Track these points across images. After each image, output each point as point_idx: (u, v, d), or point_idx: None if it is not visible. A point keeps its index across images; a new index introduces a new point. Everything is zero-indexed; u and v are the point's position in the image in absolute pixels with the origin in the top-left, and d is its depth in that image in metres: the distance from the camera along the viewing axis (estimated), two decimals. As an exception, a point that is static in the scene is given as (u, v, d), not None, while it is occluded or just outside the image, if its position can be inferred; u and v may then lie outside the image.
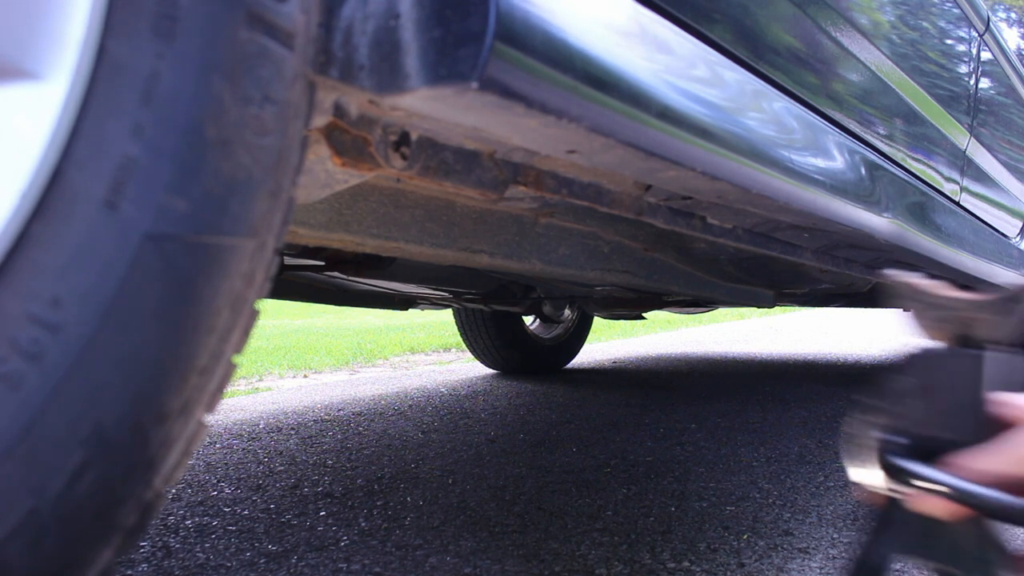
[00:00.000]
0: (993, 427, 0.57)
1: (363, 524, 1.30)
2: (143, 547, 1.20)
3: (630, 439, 2.01)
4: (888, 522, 0.58)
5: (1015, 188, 2.44)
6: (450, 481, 1.56)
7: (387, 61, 0.47)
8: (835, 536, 1.25)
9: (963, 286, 0.64)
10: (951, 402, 0.59)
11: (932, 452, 0.57)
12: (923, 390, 0.60)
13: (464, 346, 3.46)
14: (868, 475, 0.58)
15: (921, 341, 0.63)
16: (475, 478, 1.57)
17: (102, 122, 0.36)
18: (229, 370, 0.44)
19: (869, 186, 1.13)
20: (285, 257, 1.33)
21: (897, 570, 1.00)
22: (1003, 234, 2.30)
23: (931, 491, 0.55)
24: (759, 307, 2.50)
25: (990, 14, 1.91)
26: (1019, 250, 2.47)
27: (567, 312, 3.36)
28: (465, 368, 3.70)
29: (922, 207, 1.43)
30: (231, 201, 0.41)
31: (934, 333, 0.64)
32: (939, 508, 0.55)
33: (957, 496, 0.53)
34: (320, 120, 0.53)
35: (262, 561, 1.13)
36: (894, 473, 0.57)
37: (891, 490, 0.58)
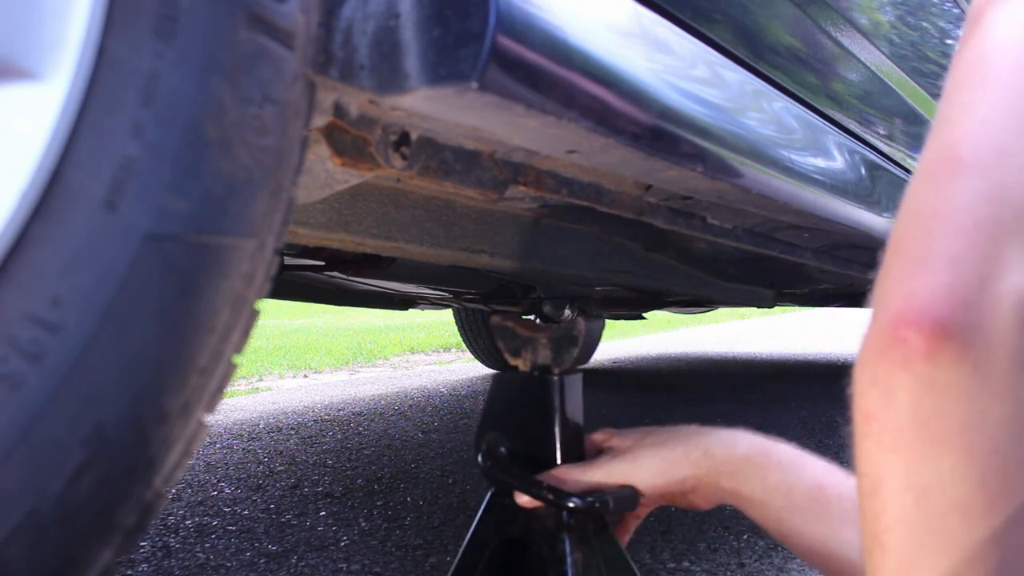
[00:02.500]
0: (589, 447, 0.79)
1: (363, 524, 1.30)
2: (143, 547, 1.20)
3: (630, 439, 2.00)
4: (491, 507, 0.76)
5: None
6: (450, 481, 1.56)
7: (387, 61, 0.47)
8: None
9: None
10: (529, 419, 0.75)
11: (535, 461, 0.75)
12: (506, 409, 0.78)
13: (464, 346, 3.46)
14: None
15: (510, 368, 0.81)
16: (475, 478, 1.57)
17: (102, 122, 0.36)
18: (229, 370, 0.44)
19: (869, 186, 1.13)
20: (285, 257, 1.33)
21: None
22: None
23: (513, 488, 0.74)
24: (759, 307, 2.50)
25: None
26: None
27: (567, 312, 3.36)
28: (465, 368, 3.70)
29: (922, 207, 1.42)
30: (231, 201, 0.41)
31: (516, 361, 0.80)
32: (524, 500, 0.73)
33: (529, 491, 0.72)
34: (320, 120, 0.53)
35: (262, 561, 1.13)
36: (485, 471, 0.76)
37: (492, 483, 0.76)
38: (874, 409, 0.38)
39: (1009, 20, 0.41)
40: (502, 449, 0.76)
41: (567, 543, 0.71)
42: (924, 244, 0.38)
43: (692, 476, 0.73)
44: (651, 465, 0.73)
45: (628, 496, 0.73)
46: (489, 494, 0.77)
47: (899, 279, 0.38)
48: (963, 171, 0.38)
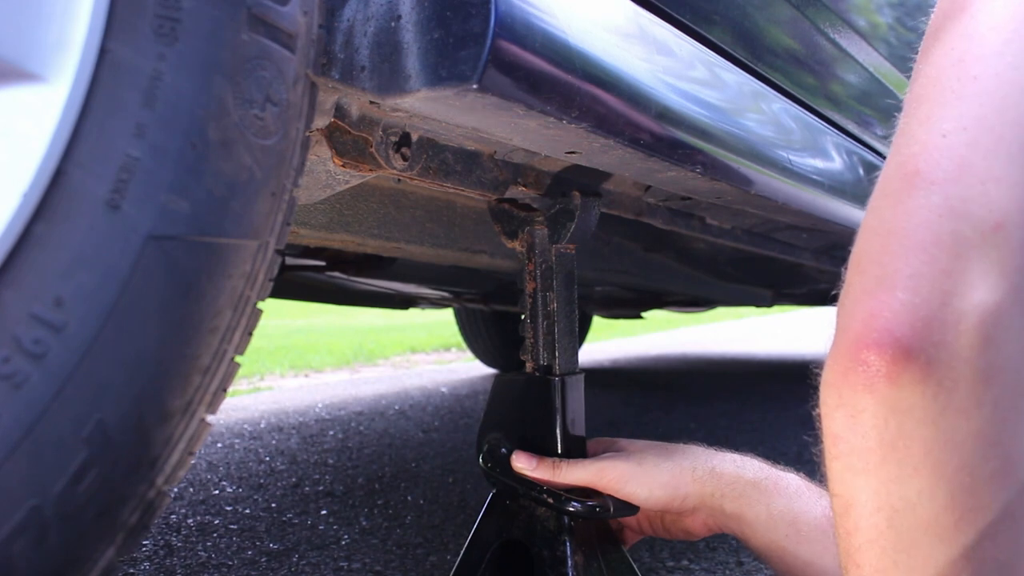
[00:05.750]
0: (596, 449, 0.77)
1: (364, 523, 1.30)
2: (145, 545, 1.20)
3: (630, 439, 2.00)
4: (492, 508, 0.76)
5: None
6: (450, 480, 1.56)
7: (388, 62, 0.47)
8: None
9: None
10: (530, 420, 0.76)
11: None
12: (507, 410, 0.77)
13: (464, 346, 3.46)
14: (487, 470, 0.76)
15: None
16: (475, 477, 1.57)
17: (104, 123, 0.37)
18: (231, 369, 0.44)
19: (867, 186, 1.13)
20: (286, 257, 1.34)
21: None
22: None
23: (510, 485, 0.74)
24: (757, 307, 2.51)
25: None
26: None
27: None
28: (465, 367, 3.70)
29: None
30: (233, 202, 0.41)
31: (514, 243, 0.78)
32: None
33: (529, 494, 0.72)
34: (321, 121, 0.54)
35: (263, 560, 1.13)
36: (486, 472, 0.76)
37: (494, 484, 0.76)
38: (841, 431, 0.38)
39: (966, 35, 0.41)
40: (503, 450, 0.75)
41: (568, 545, 0.71)
42: (884, 262, 0.37)
43: (696, 494, 0.70)
44: (655, 474, 0.71)
45: (628, 502, 0.73)
46: (491, 495, 0.77)
47: (859, 298, 0.38)
48: (923, 186, 0.38)
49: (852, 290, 0.39)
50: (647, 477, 0.71)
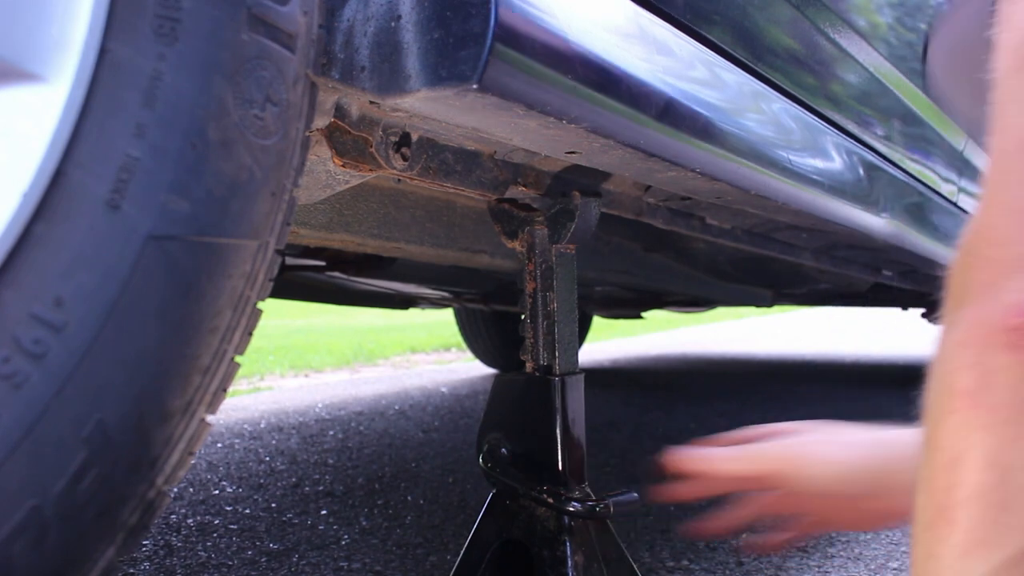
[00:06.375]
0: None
1: (364, 523, 1.30)
2: (145, 545, 1.20)
3: (630, 439, 2.01)
4: (492, 508, 0.77)
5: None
6: (450, 480, 1.56)
7: (388, 62, 0.47)
8: (833, 535, 1.25)
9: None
10: (530, 420, 0.76)
11: (536, 462, 0.75)
12: (507, 410, 0.78)
13: (464, 346, 3.47)
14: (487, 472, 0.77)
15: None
16: (475, 477, 1.57)
17: (104, 123, 0.37)
18: (231, 369, 0.44)
19: (867, 186, 1.13)
20: (286, 257, 1.33)
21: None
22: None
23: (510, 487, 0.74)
24: (757, 306, 2.51)
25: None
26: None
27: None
28: (465, 367, 3.70)
29: (920, 207, 1.43)
30: (233, 202, 0.41)
31: (514, 243, 0.79)
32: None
33: (529, 495, 0.72)
34: (321, 121, 0.54)
35: (263, 559, 1.13)
36: (486, 472, 0.76)
37: (494, 484, 0.76)
38: (970, 387, 0.39)
39: None
40: (503, 450, 0.76)
41: (568, 545, 0.71)
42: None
43: (893, 459, 0.65)
44: (844, 455, 0.66)
45: (629, 500, 0.73)
46: (491, 495, 0.77)
47: (1009, 269, 0.39)
48: None
49: (991, 260, 0.40)
50: (838, 458, 0.67)
